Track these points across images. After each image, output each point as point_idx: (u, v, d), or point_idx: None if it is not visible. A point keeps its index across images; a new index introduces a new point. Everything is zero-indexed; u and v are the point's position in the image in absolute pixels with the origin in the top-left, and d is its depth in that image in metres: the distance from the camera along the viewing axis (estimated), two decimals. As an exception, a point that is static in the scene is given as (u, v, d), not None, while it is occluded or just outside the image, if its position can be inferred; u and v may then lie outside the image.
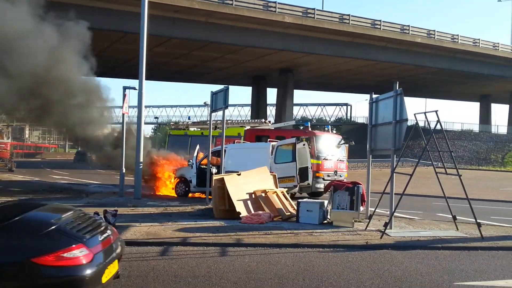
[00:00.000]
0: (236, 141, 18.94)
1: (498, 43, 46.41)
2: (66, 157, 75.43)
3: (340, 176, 18.30)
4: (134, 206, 13.59)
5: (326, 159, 18.34)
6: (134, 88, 16.82)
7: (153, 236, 9.14)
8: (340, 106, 76.77)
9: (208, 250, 8.37)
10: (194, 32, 33.35)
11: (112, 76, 50.35)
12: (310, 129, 19.66)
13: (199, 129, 23.55)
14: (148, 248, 8.35)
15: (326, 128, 21.73)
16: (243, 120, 19.53)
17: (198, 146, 18.32)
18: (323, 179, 17.89)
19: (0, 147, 33.41)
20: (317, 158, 18.00)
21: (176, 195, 18.09)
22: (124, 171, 17.00)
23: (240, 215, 11.23)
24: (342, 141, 20.12)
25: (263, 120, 22.65)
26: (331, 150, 18.88)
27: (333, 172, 18.41)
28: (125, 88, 16.94)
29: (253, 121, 22.36)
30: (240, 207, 11.48)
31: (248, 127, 21.52)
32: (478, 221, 10.00)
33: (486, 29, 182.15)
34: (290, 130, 24.79)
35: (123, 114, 17.19)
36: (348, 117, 74.49)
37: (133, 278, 6.50)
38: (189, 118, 27.78)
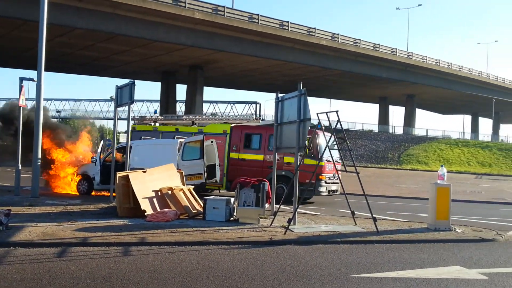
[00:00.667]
0: (142, 137, 18.43)
1: (396, 49, 49.51)
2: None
3: (338, 179, 16.79)
4: (31, 205, 12.78)
5: (328, 161, 16.52)
6: (32, 80, 15.83)
7: (50, 237, 8.66)
8: (249, 104, 77.74)
9: (110, 250, 8.08)
10: (100, 23, 32.04)
11: (9, 66, 47.03)
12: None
13: (173, 125, 21.03)
14: (44, 250, 7.88)
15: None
16: (230, 117, 17.04)
17: (102, 142, 17.68)
18: (326, 182, 16.95)
19: None
20: (320, 159, 16.93)
21: (78, 193, 17.31)
22: (20, 167, 15.94)
23: (146, 213, 10.99)
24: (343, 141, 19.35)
25: (254, 117, 21.17)
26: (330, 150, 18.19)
27: (332, 175, 17.10)
28: (22, 79, 15.88)
29: (241, 117, 20.65)
30: (145, 205, 11.23)
31: (233, 124, 19.05)
32: (374, 216, 10.62)
33: (386, 35, 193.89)
34: None
35: (19, 107, 16.11)
36: (258, 116, 75.59)
37: (26, 282, 6.10)
38: (155, 112, 23.98)
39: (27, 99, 17.11)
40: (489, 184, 32.36)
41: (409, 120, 65.05)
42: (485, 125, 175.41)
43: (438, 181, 11.15)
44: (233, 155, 15.06)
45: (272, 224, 10.70)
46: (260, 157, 17.34)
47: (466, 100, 68.17)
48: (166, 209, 11.23)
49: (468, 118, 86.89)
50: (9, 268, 6.73)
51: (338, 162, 16.70)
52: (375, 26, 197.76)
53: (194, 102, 44.14)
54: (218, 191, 18.24)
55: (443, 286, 6.47)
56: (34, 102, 16.71)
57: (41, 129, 15.36)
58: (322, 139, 16.85)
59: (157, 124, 20.88)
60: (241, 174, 14.22)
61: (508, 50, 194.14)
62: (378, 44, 47.46)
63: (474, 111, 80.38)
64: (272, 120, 23.56)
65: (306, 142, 16.63)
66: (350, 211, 11.50)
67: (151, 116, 22.29)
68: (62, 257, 7.52)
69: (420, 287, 6.40)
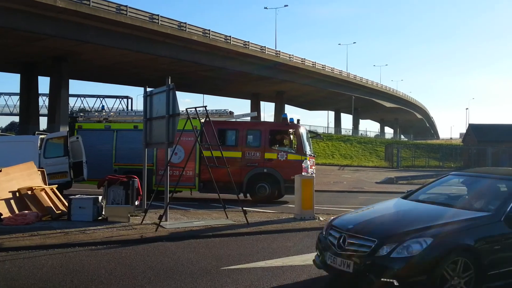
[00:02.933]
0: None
1: (265, 47, 51.24)
2: None
3: (313, 174, 16.08)
4: None
5: (311, 156, 16.77)
6: None
7: None
8: (121, 99, 75.17)
9: (-42, 259, 7.29)
10: None
11: None
12: (288, 121, 16.77)
13: (130, 122, 18.31)
14: None
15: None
16: (199, 112, 12.68)
17: None
18: None
19: None
20: (304, 155, 16.12)
21: None
22: None
23: (1, 217, 10.07)
24: (315, 136, 18.30)
25: (226, 110, 17.98)
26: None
27: (313, 170, 16.69)
28: None
29: (212, 112, 16.91)
30: (1, 208, 10.28)
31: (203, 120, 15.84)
32: (244, 208, 10.93)
33: (256, 33, 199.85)
34: (264, 122, 20.83)
35: None
36: (129, 110, 73.41)
37: None
38: (102, 108, 19.27)
39: None
40: (350, 175, 35.03)
41: (279, 116, 67.90)
42: (347, 120, 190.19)
43: (303, 173, 11.80)
44: (206, 153, 13.52)
45: (143, 222, 10.47)
46: (238, 154, 16.25)
47: (330, 97, 72.97)
48: (26, 211, 10.39)
49: (332, 113, 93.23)
50: None
51: (313, 156, 17.11)
52: (245, 24, 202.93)
53: (59, 96, 41.26)
54: (190, 193, 16.78)
55: (306, 272, 6.88)
56: None
57: None
58: (305, 133, 16.74)
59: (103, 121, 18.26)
60: (216, 173, 13.00)
61: (365, 51, 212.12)
62: (248, 42, 48.64)
63: (336, 107, 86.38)
64: (248, 114, 22.47)
65: (292, 138, 16.21)
66: (221, 205, 11.70)
67: (99, 112, 19.42)
68: None
69: (286, 274, 6.74)
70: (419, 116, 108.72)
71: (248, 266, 7.15)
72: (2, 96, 73.60)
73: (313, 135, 20.31)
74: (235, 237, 9.50)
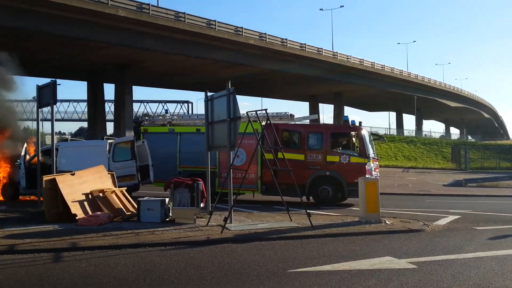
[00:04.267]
0: (69, 139, 17.70)
1: (322, 49, 50.83)
2: None
3: (377, 176, 15.69)
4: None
5: (374, 158, 16.57)
6: None
7: (-28, 246, 8.15)
8: (181, 104, 76.98)
9: (40, 257, 7.73)
10: (17, 20, 30.24)
11: None
12: (350, 123, 16.60)
13: (192, 125, 18.50)
14: (-34, 260, 7.41)
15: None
16: (260, 115, 12.71)
17: (25, 145, 16.82)
18: None
19: None
20: (367, 157, 15.89)
21: (3, 199, 16.38)
22: None
23: (76, 217, 10.60)
24: (378, 138, 18.27)
25: (287, 112, 17.74)
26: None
27: (377, 173, 16.45)
28: None
29: (272, 115, 16.62)
30: (75, 209, 10.83)
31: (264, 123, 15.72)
32: (308, 211, 10.88)
33: (312, 35, 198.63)
34: (326, 125, 20.18)
35: None
36: (191, 114, 75.03)
37: None
38: (166, 112, 20.05)
39: None
40: (415, 177, 34.07)
41: (338, 118, 67.12)
42: (409, 121, 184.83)
43: (367, 176, 11.61)
44: (268, 156, 13.72)
45: (209, 224, 10.68)
46: (300, 156, 16.12)
47: (390, 98, 71.25)
48: (98, 212, 10.89)
49: (393, 114, 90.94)
50: None
51: (376, 159, 16.80)
52: (301, 26, 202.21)
53: (123, 102, 42.89)
54: (252, 195, 16.98)
55: (375, 276, 6.75)
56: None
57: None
58: (367, 136, 16.53)
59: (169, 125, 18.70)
60: (278, 175, 13.18)
61: (425, 50, 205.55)
62: (305, 44, 48.44)
63: (398, 108, 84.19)
64: (309, 117, 22.50)
65: (355, 141, 16.02)
66: (285, 208, 11.72)
67: (164, 116, 19.92)
68: (-13, 267, 7.11)
69: (354, 279, 6.64)
70: (486, 115, 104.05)
71: (314, 269, 7.11)
72: (71, 103, 77.22)
73: (376, 137, 19.75)
74: (300, 239, 9.48)
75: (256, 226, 10.66)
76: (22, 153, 16.26)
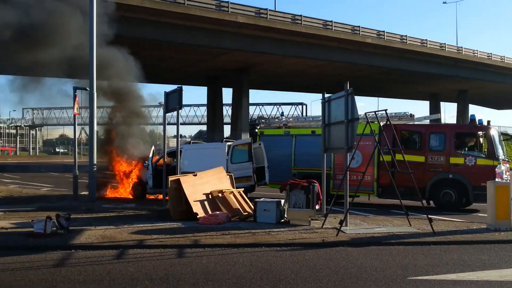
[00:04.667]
0: (192, 141, 18.65)
1: (445, 44, 48.02)
2: (27, 160, 73.28)
3: (507, 180, 14.55)
4: (89, 210, 13.26)
5: (504, 160, 15.41)
6: (85, 89, 16.40)
7: (108, 239, 8.95)
8: (295, 106, 77.62)
9: (165, 252, 8.27)
10: (146, 32, 32.74)
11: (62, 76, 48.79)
12: (477, 122, 15.58)
13: (307, 127, 18.24)
14: (103, 252, 8.17)
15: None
16: (378, 115, 12.85)
17: (153, 147, 18.08)
18: None
19: None
20: (496, 160, 14.89)
21: (132, 197, 17.79)
22: (77, 173, 16.57)
23: (197, 216, 11.16)
24: (509, 138, 17.70)
25: (407, 112, 17.07)
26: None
27: (507, 176, 15.23)
28: (75, 88, 16.51)
29: (391, 115, 15.82)
30: (197, 208, 11.41)
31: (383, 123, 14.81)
32: (429, 216, 10.33)
33: (433, 30, 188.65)
34: (449, 125, 19.88)
35: (74, 116, 16.77)
36: (306, 116, 75.38)
37: (88, 283, 6.34)
38: (282, 114, 21.22)
39: (80, 107, 17.75)
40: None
41: (462, 117, 62.99)
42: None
43: (497, 179, 10.74)
44: (386, 157, 13.22)
45: (324, 226, 10.61)
46: (420, 158, 15.46)
47: (523, 94, 65.18)
48: (218, 212, 11.36)
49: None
50: (72, 270, 7.01)
51: (506, 161, 15.73)
52: (422, 22, 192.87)
53: (240, 105, 44.36)
54: (367, 198, 16.63)
55: (506, 288, 6.23)
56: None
57: (95, 136, 15.92)
58: (496, 136, 15.52)
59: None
60: (396, 178, 12.95)
61: None
62: (426, 40, 46.22)
63: (532, 104, 76.86)
64: (430, 117, 21.80)
65: (482, 141, 14.99)
66: (404, 212, 11.26)
67: (280, 119, 20.22)
68: (121, 259, 7.77)
69: (481, 289, 6.19)
70: None
71: (437, 278, 6.73)
72: (191, 107, 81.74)
73: (507, 137, 18.12)
74: (421, 246, 9.04)
75: (372, 230, 10.38)
76: (150, 155, 17.50)
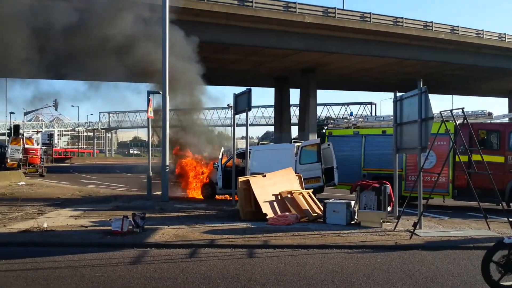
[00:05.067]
0: (260, 142, 18.82)
1: (525, 37, 45.32)
2: (103, 161, 77.37)
3: None
4: (162, 209, 13.72)
5: None
6: (158, 92, 16.99)
7: (181, 238, 9.21)
8: (364, 105, 76.17)
9: (236, 252, 8.39)
10: (214, 35, 33.41)
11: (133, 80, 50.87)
12: None
13: (378, 127, 17.87)
14: (176, 250, 8.42)
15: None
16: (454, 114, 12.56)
17: (222, 148, 18.40)
18: None
19: (30, 152, 34.09)
20: None
21: (202, 197, 18.21)
22: (151, 174, 17.20)
23: (267, 217, 11.22)
24: None
25: (484, 110, 16.27)
26: None
27: None
28: (149, 92, 17.15)
29: (467, 113, 14.22)
30: (266, 209, 11.47)
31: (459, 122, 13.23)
32: (510, 219, 9.77)
33: (511, 25, 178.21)
34: None
35: (148, 118, 17.42)
36: (376, 115, 73.78)
37: (163, 280, 6.55)
38: (351, 114, 21.03)
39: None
40: None
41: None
42: None
43: None
44: (462, 157, 12.86)
45: (396, 228, 10.32)
46: (499, 159, 14.86)
47: None
48: (287, 213, 11.36)
49: None
50: (148, 267, 7.28)
51: None
52: (499, 18, 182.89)
53: (308, 106, 44.13)
54: (442, 200, 16.09)
55: None
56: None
57: (168, 138, 16.44)
58: None
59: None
60: (473, 179, 12.47)
61: None
62: (504, 34, 43.81)
63: None
64: (510, 115, 20.88)
65: None
66: (482, 215, 10.72)
67: (349, 119, 20.11)
68: (193, 258, 7.97)
69: None
70: None
71: (519, 284, 6.35)
72: (259, 108, 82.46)
73: None
74: (501, 250, 8.57)
75: (448, 233, 9.96)
76: (220, 156, 17.84)
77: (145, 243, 8.82)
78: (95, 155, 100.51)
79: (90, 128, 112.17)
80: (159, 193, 16.74)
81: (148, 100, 16.89)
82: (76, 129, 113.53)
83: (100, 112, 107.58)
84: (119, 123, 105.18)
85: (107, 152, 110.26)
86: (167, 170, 16.33)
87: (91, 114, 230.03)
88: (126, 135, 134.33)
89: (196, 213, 13.23)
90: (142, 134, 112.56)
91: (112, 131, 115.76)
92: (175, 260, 7.75)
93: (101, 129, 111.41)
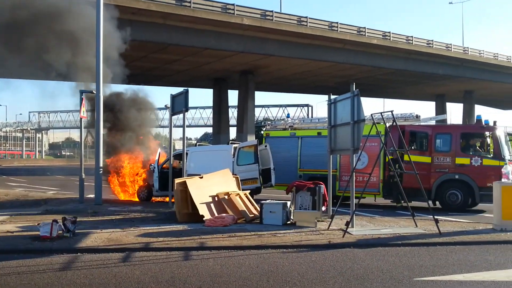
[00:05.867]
0: (198, 143, 18.71)
1: (451, 44, 47.82)
2: (33, 163, 73.74)
3: None
4: (95, 212, 13.29)
5: (510, 161, 15.12)
6: (92, 92, 16.47)
7: (114, 242, 8.97)
8: (301, 107, 77.53)
9: (172, 255, 8.28)
10: (152, 35, 32.88)
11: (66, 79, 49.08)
12: (483, 123, 15.52)
13: (313, 129, 18.29)
14: (109, 255, 8.18)
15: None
16: (385, 116, 12.24)
17: (159, 150, 18.12)
18: None
19: None
20: (503, 160, 14.76)
21: (138, 200, 17.83)
22: (83, 176, 16.62)
23: (204, 218, 11.17)
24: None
25: (413, 113, 16.88)
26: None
27: None
28: (82, 91, 16.57)
29: (397, 116, 15.35)
30: (203, 210, 11.42)
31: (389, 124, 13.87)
32: (435, 217, 10.29)
33: (439, 30, 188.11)
34: (455, 125, 19.35)
35: (81, 119, 16.84)
36: (312, 117, 75.21)
37: (94, 286, 6.35)
38: (288, 116, 20.98)
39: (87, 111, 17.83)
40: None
41: (468, 117, 62.68)
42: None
43: (503, 180, 10.68)
44: (391, 158, 13.26)
45: (330, 227, 10.59)
46: (426, 159, 15.45)
47: (530, 94, 64.72)
48: (224, 214, 11.36)
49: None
50: (78, 274, 7.03)
51: (511, 161, 15.24)
52: (427, 22, 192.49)
53: (246, 107, 44.38)
54: (374, 199, 16.46)
55: (513, 289, 6.20)
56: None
57: (102, 139, 15.97)
58: (503, 136, 15.43)
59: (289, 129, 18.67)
60: (405, 178, 12.99)
61: None
62: (432, 41, 46.10)
63: (538, 105, 76.31)
64: (436, 118, 21.59)
65: (489, 142, 14.87)
66: (410, 213, 11.22)
67: (286, 120, 20.17)
68: (127, 262, 7.78)
69: (489, 291, 6.16)
70: None
71: (443, 279, 6.71)
72: (197, 109, 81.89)
73: None
74: (427, 246, 9.02)
75: (379, 231, 10.35)
76: (156, 158, 17.55)
77: (76, 248, 8.52)
78: (24, 157, 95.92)
79: (19, 128, 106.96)
80: (92, 196, 16.22)
81: (81, 99, 16.32)
82: (4, 129, 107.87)
83: (30, 112, 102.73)
84: (51, 123, 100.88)
85: (37, 154, 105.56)
86: (101, 171, 15.86)
87: (20, 114, 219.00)
88: (58, 136, 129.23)
89: (132, 216, 12.93)
90: (75, 134, 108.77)
91: (43, 132, 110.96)
92: (107, 265, 7.54)
93: (31, 129, 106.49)
